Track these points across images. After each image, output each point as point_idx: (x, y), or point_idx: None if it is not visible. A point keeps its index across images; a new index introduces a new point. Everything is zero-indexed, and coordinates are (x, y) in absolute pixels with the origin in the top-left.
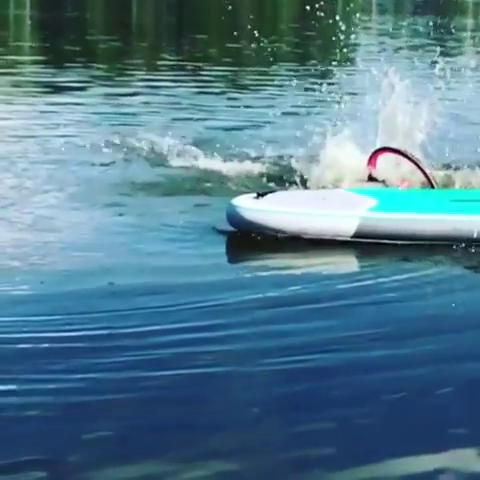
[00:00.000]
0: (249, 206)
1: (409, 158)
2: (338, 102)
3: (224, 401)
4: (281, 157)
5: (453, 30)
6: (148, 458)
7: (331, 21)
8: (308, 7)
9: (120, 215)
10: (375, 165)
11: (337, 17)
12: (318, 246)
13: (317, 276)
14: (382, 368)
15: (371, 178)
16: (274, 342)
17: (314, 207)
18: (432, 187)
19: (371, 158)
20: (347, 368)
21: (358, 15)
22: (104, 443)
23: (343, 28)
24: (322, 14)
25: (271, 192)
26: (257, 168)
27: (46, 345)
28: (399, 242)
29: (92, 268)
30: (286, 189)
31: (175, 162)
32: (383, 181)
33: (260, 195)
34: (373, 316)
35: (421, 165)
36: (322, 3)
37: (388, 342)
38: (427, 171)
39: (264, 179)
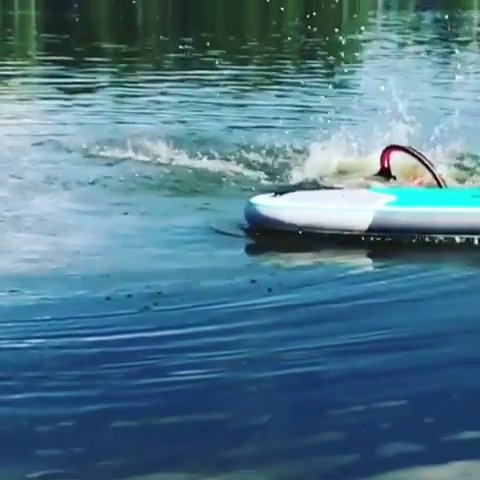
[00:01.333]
0: (267, 203)
1: (418, 157)
2: (341, 104)
3: (238, 407)
4: (285, 156)
5: (461, 24)
6: (162, 466)
7: (327, 38)
8: (297, 19)
9: (125, 214)
10: (388, 162)
11: (336, 30)
12: (333, 243)
13: (330, 276)
14: (400, 372)
15: (383, 174)
16: (288, 346)
17: (331, 203)
18: (440, 187)
19: (383, 155)
20: (367, 372)
21: (363, 28)
22: (120, 452)
23: (343, 43)
24: (315, 29)
25: (290, 191)
26: (260, 168)
27: (55, 352)
28: (416, 235)
29: (103, 272)
30: (302, 189)
31: (180, 161)
32: (394, 177)
33: (278, 194)
34: (397, 317)
35: (429, 166)
36: (314, 14)
37: (406, 345)
38: (435, 172)
39: (267, 178)
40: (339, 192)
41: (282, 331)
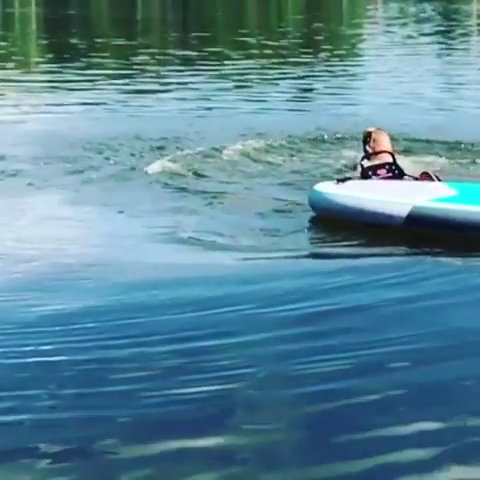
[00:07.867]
0: (330, 191)
1: None
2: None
3: (254, 427)
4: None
5: (460, 17)
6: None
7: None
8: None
9: (149, 226)
10: None
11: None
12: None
13: (368, 279)
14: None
15: None
16: (312, 356)
17: (380, 194)
18: None
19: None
20: (394, 388)
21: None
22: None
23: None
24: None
25: (351, 178)
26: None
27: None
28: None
29: (119, 279)
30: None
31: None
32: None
33: (340, 181)
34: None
35: None
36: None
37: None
38: None
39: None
40: (404, 182)
41: (306, 342)
